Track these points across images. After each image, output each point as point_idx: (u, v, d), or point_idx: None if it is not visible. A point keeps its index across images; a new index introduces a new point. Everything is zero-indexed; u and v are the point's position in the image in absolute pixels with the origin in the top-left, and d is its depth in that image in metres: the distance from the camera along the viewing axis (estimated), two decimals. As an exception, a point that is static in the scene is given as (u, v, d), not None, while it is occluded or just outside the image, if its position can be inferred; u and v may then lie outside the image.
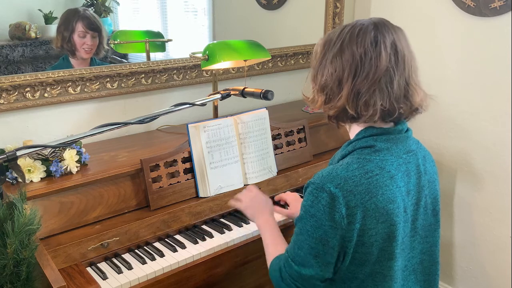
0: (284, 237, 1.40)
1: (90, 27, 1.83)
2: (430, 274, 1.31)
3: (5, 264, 1.13)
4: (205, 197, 1.68)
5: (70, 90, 1.79)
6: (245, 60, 1.88)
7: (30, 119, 1.74)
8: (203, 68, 1.88)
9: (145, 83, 1.97)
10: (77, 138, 1.32)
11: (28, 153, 1.24)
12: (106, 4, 1.93)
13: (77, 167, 1.54)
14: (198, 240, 1.56)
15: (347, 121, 1.21)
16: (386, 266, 1.17)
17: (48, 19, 1.79)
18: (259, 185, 1.79)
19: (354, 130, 1.23)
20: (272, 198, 1.73)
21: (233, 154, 1.75)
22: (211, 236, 1.59)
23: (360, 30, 1.15)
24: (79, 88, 1.81)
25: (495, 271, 2.21)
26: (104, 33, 1.89)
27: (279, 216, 1.65)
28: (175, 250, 1.51)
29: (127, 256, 1.48)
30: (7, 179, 1.36)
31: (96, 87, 1.85)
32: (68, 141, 1.30)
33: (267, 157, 1.83)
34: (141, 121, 1.40)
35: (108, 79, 1.87)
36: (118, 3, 1.97)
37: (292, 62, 2.46)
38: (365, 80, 1.12)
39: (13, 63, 1.73)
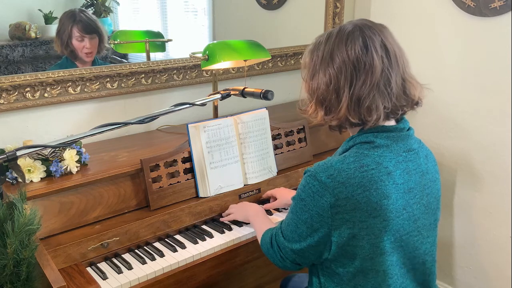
0: None
1: (86, 31, 1.83)
2: (430, 274, 1.31)
3: (5, 264, 1.13)
4: (205, 197, 1.68)
5: (70, 90, 1.79)
6: (245, 60, 1.88)
7: (30, 119, 1.74)
8: (203, 68, 1.88)
9: (145, 83, 1.97)
10: (77, 138, 1.32)
11: (28, 153, 1.24)
12: (106, 4, 1.93)
13: (77, 167, 1.54)
14: (198, 240, 1.56)
15: (351, 128, 1.22)
16: (378, 261, 1.18)
17: (48, 19, 1.79)
18: (259, 185, 1.79)
19: (355, 128, 1.23)
20: (265, 202, 1.77)
21: (233, 154, 1.75)
22: (211, 236, 1.59)
23: (348, 37, 1.15)
24: (79, 88, 1.81)
25: (495, 271, 2.21)
26: (103, 32, 1.89)
27: (278, 218, 1.68)
28: (175, 250, 1.51)
29: (127, 256, 1.48)
30: (7, 179, 1.37)
31: (96, 87, 1.85)
32: (68, 141, 1.30)
33: (267, 157, 1.83)
34: (141, 121, 1.41)
35: (108, 79, 1.87)
36: (118, 3, 1.97)
37: (292, 62, 2.46)
38: (363, 86, 1.13)
39: (13, 63, 1.73)
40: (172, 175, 1.65)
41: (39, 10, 1.76)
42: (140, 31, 2.04)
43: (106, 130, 1.35)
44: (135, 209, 1.59)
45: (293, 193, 1.64)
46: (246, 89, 1.65)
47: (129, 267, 1.41)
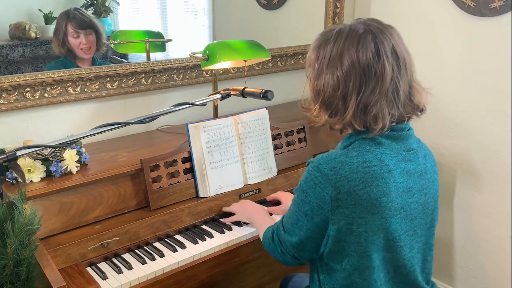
0: None
1: (81, 27, 1.83)
2: (428, 274, 1.31)
3: (5, 264, 1.13)
4: (205, 197, 1.68)
5: (70, 90, 1.79)
6: (245, 60, 1.88)
7: (30, 119, 1.74)
8: (203, 68, 1.88)
9: (145, 83, 1.97)
10: (77, 138, 1.33)
11: (28, 153, 1.24)
12: (106, 4, 1.93)
13: (77, 167, 1.54)
14: (198, 240, 1.56)
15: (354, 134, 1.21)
16: (376, 259, 1.18)
17: (48, 19, 1.79)
18: (259, 185, 1.79)
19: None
20: (265, 202, 1.77)
21: (233, 154, 1.75)
22: (211, 236, 1.59)
23: (359, 40, 1.11)
24: (79, 88, 1.81)
25: (495, 271, 2.21)
26: (100, 28, 1.89)
27: (278, 218, 1.66)
28: (175, 250, 1.51)
29: (127, 256, 1.48)
30: (7, 179, 1.37)
31: (96, 87, 1.85)
32: (68, 141, 1.30)
33: (267, 157, 1.83)
34: (141, 121, 1.41)
35: (108, 79, 1.87)
36: (118, 3, 1.97)
37: (292, 62, 2.46)
38: (372, 94, 1.11)
39: (13, 63, 1.73)
40: (172, 175, 1.65)
41: (39, 10, 1.76)
42: (140, 31, 2.04)
43: (106, 130, 1.35)
44: (135, 209, 1.59)
45: None
46: (246, 89, 1.65)
47: (129, 267, 1.42)
